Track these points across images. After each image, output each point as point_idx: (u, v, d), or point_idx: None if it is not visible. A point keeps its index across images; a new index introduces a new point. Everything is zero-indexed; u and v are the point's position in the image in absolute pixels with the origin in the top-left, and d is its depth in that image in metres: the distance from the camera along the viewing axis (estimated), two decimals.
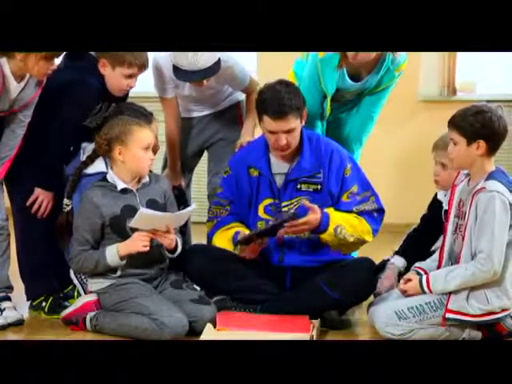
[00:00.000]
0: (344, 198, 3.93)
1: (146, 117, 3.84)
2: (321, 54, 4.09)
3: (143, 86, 4.30)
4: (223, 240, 3.96)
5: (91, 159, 3.96)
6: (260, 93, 3.87)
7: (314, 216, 3.79)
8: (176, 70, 4.10)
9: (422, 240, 4.08)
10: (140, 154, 3.69)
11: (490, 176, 3.45)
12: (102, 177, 3.81)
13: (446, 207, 3.79)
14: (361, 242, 3.92)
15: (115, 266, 3.68)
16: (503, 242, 3.41)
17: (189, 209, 3.76)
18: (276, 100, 3.78)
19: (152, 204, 3.74)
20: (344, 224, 3.85)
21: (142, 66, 3.94)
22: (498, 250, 3.40)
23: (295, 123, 3.81)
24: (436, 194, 4.12)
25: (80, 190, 3.93)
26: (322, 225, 3.81)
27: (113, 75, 3.93)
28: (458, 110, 3.52)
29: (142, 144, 3.69)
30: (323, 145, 3.96)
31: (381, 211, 3.98)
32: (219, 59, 4.09)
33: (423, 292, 3.53)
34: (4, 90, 3.63)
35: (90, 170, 3.95)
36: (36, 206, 3.94)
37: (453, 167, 3.62)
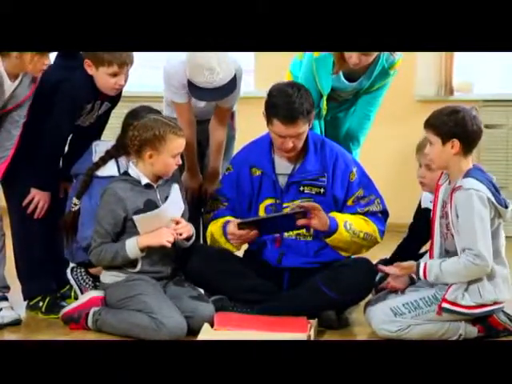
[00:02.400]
0: (349, 203, 3.93)
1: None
2: (316, 54, 4.10)
3: (143, 86, 4.29)
4: (215, 227, 3.94)
5: (104, 161, 3.96)
6: (270, 95, 3.85)
7: (322, 213, 3.78)
8: (191, 86, 4.06)
9: (411, 248, 4.15)
10: (170, 161, 3.71)
11: (467, 174, 3.51)
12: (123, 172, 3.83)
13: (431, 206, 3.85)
14: (372, 241, 3.91)
15: (134, 258, 3.68)
16: (489, 237, 3.46)
17: (173, 190, 3.76)
18: (288, 104, 3.77)
19: None
20: (351, 220, 3.86)
21: (123, 64, 3.90)
22: (485, 246, 3.44)
23: (304, 128, 3.81)
24: (420, 203, 4.15)
25: (90, 191, 3.93)
26: (332, 224, 3.80)
27: (98, 75, 3.92)
28: (434, 111, 3.60)
29: (174, 153, 3.71)
30: (328, 148, 3.96)
31: (385, 213, 3.98)
32: (235, 75, 4.06)
33: (417, 276, 3.56)
34: None
35: (102, 172, 3.94)
36: (32, 207, 3.94)
37: (434, 168, 3.67)
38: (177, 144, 3.71)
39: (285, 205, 3.91)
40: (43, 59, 3.64)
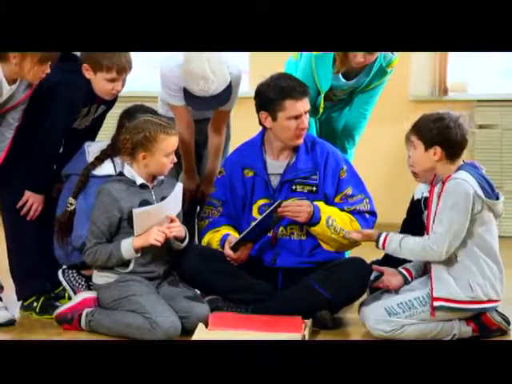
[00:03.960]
0: (337, 200, 3.94)
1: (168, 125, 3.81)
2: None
3: (138, 86, 4.27)
4: (211, 241, 3.96)
5: (100, 160, 3.96)
6: (271, 87, 3.88)
7: (306, 202, 3.82)
8: (187, 94, 4.06)
9: None
10: (164, 160, 3.71)
11: (459, 168, 3.53)
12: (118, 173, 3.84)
13: (426, 194, 3.86)
14: (353, 241, 3.92)
15: (128, 259, 3.69)
16: (459, 228, 3.47)
17: (176, 189, 3.76)
18: (295, 81, 3.90)
19: None
20: (334, 216, 3.86)
21: (122, 70, 3.91)
22: (450, 234, 3.46)
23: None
24: (413, 198, 4.15)
25: (86, 190, 3.92)
26: (315, 215, 3.82)
27: (96, 80, 3.92)
28: (423, 115, 3.63)
29: (167, 152, 3.71)
30: (319, 147, 3.98)
31: (373, 214, 3.99)
32: (230, 83, 4.06)
33: (376, 245, 3.63)
34: None
35: (98, 171, 3.95)
36: (25, 209, 3.94)
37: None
38: (169, 143, 3.71)
39: None
40: (43, 68, 3.64)
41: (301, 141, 3.93)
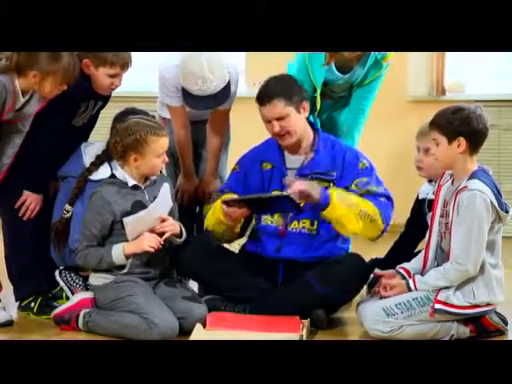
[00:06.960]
0: (353, 187, 3.88)
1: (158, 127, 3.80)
2: None
3: (136, 87, 4.28)
4: (215, 207, 3.91)
5: (95, 166, 3.95)
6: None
7: (312, 192, 3.72)
8: (185, 94, 4.07)
9: (407, 246, 4.14)
10: (155, 161, 3.72)
11: (473, 175, 3.50)
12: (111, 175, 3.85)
13: (431, 196, 3.86)
14: (372, 220, 3.79)
15: (119, 264, 3.69)
16: (482, 239, 3.46)
17: (163, 189, 3.75)
18: (263, 87, 3.89)
19: None
20: (345, 194, 3.79)
21: (125, 65, 3.94)
22: (475, 247, 3.45)
23: (284, 109, 3.84)
24: (417, 197, 4.15)
25: (83, 194, 3.91)
26: (324, 196, 3.71)
27: (97, 75, 3.93)
28: (438, 111, 3.58)
29: (158, 153, 3.71)
30: (337, 145, 3.99)
31: (389, 199, 3.91)
32: (229, 82, 4.07)
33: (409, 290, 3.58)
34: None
35: (95, 176, 3.93)
36: (24, 209, 3.94)
37: (440, 168, 3.67)
38: (159, 144, 3.71)
39: None
40: (61, 88, 3.68)
41: (285, 142, 3.91)
